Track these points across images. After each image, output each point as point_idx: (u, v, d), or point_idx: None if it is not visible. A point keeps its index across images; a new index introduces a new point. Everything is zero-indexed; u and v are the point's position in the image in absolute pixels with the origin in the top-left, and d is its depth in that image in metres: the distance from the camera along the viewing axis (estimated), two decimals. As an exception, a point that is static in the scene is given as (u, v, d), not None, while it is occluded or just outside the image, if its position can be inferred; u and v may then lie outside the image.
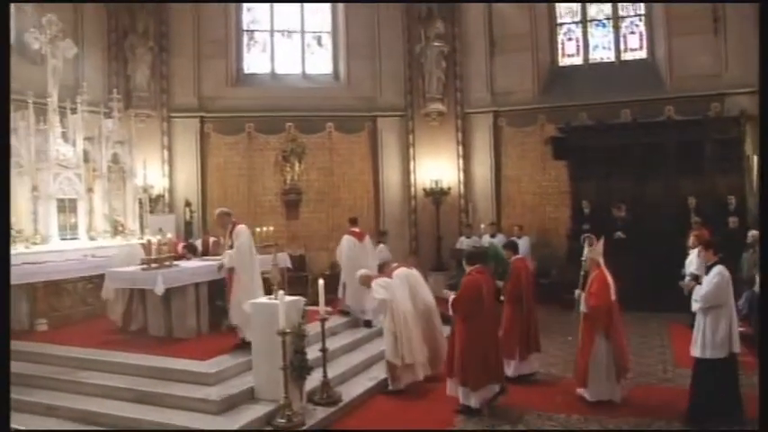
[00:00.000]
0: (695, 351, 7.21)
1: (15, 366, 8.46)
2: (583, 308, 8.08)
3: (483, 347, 7.62)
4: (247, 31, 18.06)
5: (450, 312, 7.88)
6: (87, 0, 15.51)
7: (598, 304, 7.89)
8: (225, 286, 9.12)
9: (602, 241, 8.53)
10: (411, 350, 8.56)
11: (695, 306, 7.21)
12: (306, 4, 18.23)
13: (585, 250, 8.54)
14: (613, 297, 8.02)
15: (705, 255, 7.45)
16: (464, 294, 7.72)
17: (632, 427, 7.28)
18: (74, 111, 11.94)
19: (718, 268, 7.13)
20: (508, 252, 9.70)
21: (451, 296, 7.81)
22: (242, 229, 8.99)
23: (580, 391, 8.12)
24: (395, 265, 10.00)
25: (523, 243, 15.51)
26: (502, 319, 9.11)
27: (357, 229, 11.63)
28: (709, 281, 7.13)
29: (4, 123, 6.18)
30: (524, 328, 9.04)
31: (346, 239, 11.36)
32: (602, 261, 8.25)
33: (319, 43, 18.43)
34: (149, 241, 9.70)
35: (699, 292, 7.17)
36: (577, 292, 8.34)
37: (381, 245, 13.79)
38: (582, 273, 8.52)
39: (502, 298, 9.21)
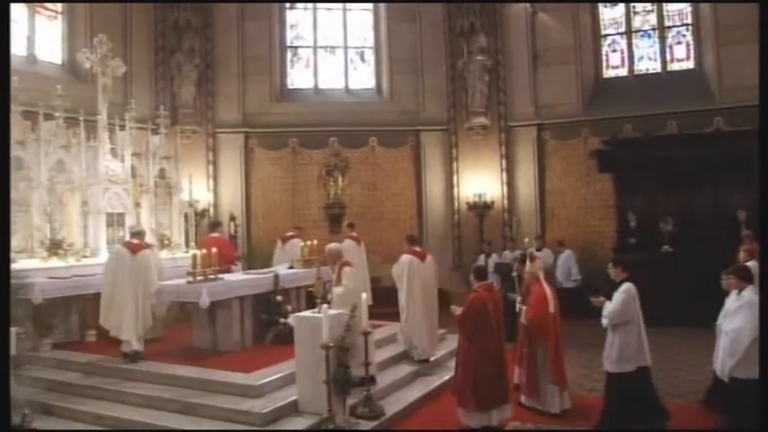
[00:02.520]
0: (606, 366, 7.50)
1: (66, 376, 8.78)
2: (523, 320, 8.28)
3: (487, 367, 7.38)
4: (291, 47, 18.29)
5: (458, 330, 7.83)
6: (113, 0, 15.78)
7: (535, 317, 8.06)
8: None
9: (545, 255, 8.58)
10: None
11: (604, 322, 7.44)
12: (349, 20, 18.41)
13: (527, 266, 8.68)
14: (552, 310, 8.12)
15: (614, 271, 7.63)
16: (469, 312, 7.51)
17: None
18: (122, 127, 12.19)
19: (625, 285, 7.39)
20: (519, 265, 9.52)
21: (458, 312, 7.65)
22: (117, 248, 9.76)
23: (524, 399, 8.25)
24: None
25: (565, 256, 15.39)
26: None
27: (354, 234, 12.66)
28: (616, 298, 7.37)
29: (4, 125, 6.25)
30: None
31: (347, 243, 12.08)
32: (541, 275, 8.47)
33: (362, 58, 18.57)
34: (195, 255, 9.81)
35: (607, 309, 7.38)
36: (518, 306, 8.44)
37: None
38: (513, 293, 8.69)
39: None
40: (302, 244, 12.10)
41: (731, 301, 7.40)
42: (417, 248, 10.10)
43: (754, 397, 6.52)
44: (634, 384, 7.36)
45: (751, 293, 7.17)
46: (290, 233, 13.54)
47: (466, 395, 7.43)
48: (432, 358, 9.90)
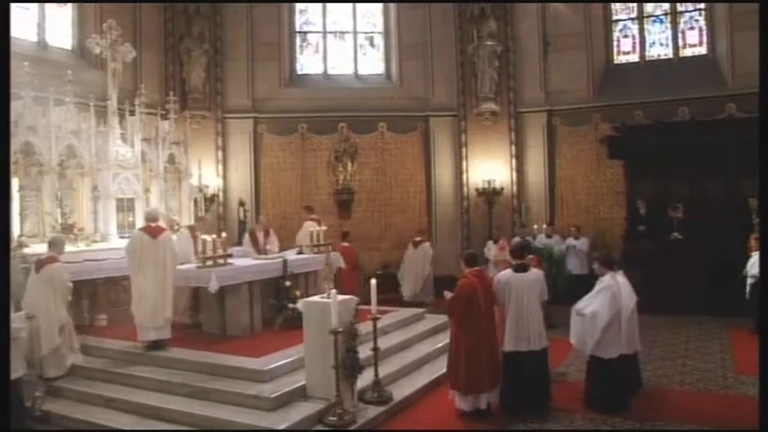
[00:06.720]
0: (505, 345, 7.72)
1: (77, 360, 8.79)
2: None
3: (476, 352, 7.38)
4: (300, 32, 18.22)
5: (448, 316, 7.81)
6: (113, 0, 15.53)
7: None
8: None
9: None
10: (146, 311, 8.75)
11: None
12: (358, 5, 18.32)
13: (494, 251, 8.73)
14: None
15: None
16: (458, 298, 7.51)
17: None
18: (132, 113, 12.24)
19: (505, 271, 7.91)
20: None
21: (449, 297, 7.60)
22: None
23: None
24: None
25: (581, 244, 15.30)
26: None
27: (314, 216, 13.52)
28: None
29: (4, 122, 6.28)
30: None
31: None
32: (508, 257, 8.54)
33: (371, 44, 18.48)
34: (204, 240, 9.85)
35: None
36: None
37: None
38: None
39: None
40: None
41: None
42: (314, 216, 13.14)
43: (610, 374, 7.57)
44: (530, 364, 7.61)
45: (608, 279, 7.81)
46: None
47: (458, 379, 7.49)
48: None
